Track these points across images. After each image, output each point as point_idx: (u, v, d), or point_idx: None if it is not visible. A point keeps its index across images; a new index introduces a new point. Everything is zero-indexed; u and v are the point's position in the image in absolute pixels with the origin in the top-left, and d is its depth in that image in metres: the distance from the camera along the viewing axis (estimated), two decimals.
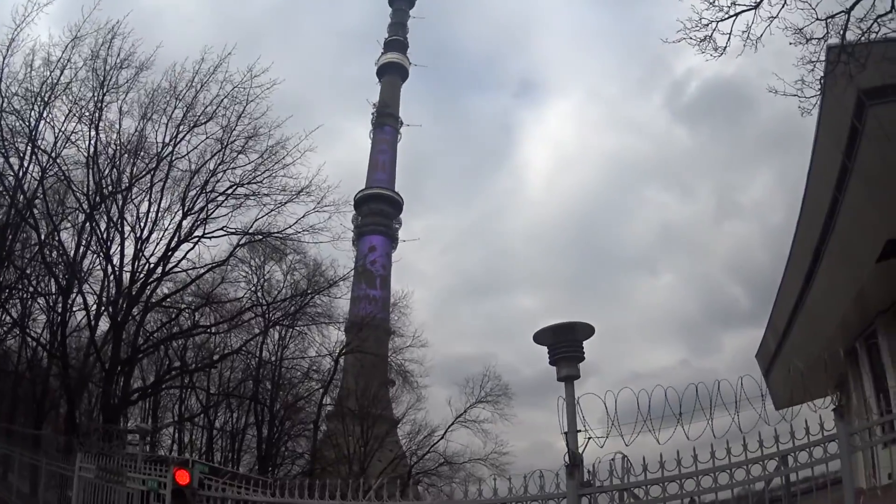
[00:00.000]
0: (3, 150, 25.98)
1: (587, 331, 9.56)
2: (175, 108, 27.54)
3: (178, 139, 27.59)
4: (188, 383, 34.25)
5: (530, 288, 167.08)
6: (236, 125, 27.86)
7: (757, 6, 13.28)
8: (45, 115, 26.26)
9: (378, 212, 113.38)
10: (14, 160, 26.18)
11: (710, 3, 13.23)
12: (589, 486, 9.28)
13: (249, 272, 34.76)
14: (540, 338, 9.58)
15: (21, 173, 26.29)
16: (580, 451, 9.16)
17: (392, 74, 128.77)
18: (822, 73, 12.81)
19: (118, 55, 26.73)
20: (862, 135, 13.38)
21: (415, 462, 42.86)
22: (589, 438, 9.11)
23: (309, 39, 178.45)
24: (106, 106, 26.81)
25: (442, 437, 41.73)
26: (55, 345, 27.04)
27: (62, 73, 26.16)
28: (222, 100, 27.61)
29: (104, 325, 27.67)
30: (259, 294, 34.68)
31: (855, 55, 12.07)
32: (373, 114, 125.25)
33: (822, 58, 12.81)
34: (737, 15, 13.44)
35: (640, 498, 9.04)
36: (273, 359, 37.43)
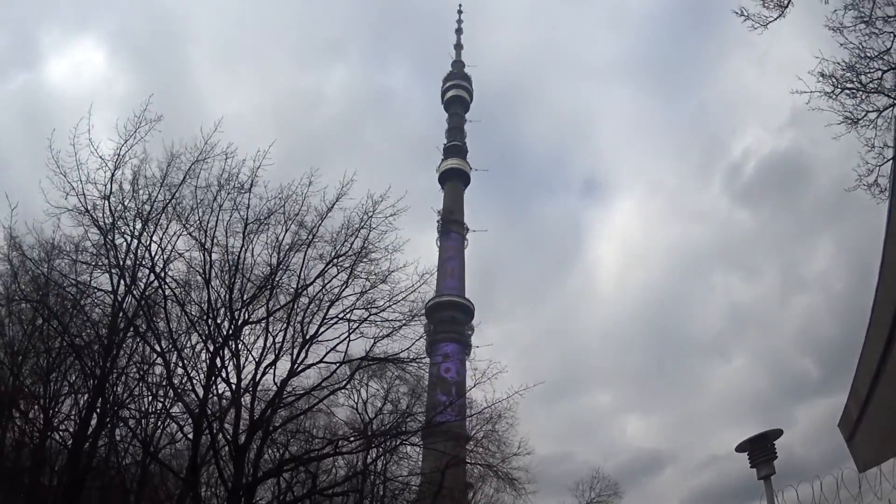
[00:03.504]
0: (111, 268, 25.93)
1: (776, 434, 10.22)
2: (286, 229, 27.38)
3: (287, 259, 27.38)
4: None
5: (605, 384, 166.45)
6: (351, 248, 27.64)
7: None
8: (150, 232, 26.24)
9: (450, 319, 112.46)
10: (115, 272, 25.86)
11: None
12: None
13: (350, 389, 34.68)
14: (741, 447, 10.10)
15: (141, 291, 26.23)
16: None
17: (454, 180, 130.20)
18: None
19: (219, 175, 26.75)
20: None
21: None
22: None
23: (371, 150, 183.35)
24: (210, 227, 26.70)
25: None
26: (185, 472, 26.22)
27: (160, 189, 26.29)
28: (347, 230, 27.51)
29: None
30: (363, 415, 34.58)
31: None
32: (438, 221, 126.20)
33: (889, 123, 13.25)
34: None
35: None
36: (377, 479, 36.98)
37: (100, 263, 26.50)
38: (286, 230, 27.45)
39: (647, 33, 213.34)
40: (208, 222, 26.78)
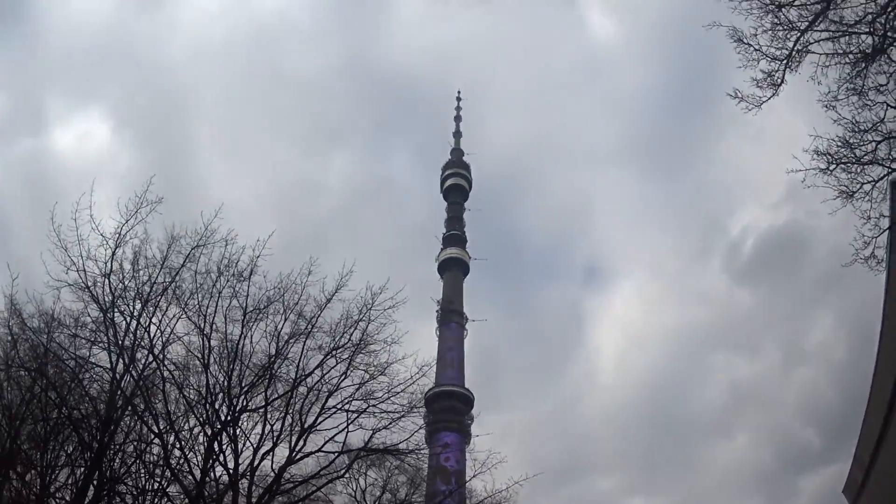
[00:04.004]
0: (109, 345, 25.82)
1: None
2: (285, 319, 27.57)
3: (285, 349, 27.50)
4: None
5: (608, 468, 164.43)
6: (350, 340, 27.84)
7: None
8: (150, 314, 26.29)
9: (449, 408, 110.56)
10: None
11: None
12: None
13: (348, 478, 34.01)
14: None
15: (140, 372, 26.10)
16: None
17: (453, 270, 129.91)
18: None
19: (219, 261, 27.05)
20: None
21: None
22: None
23: (370, 238, 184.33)
24: (209, 313, 26.88)
25: None
26: None
27: (160, 271, 26.45)
28: (346, 322, 27.75)
29: None
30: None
31: None
32: (437, 311, 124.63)
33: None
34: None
35: None
36: None
37: (98, 340, 26.41)
38: (285, 319, 27.69)
39: (643, 117, 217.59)
40: (207, 307, 27.00)
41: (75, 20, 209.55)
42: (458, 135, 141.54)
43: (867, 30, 14.65)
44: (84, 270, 25.62)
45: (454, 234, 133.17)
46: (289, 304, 27.59)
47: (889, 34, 14.20)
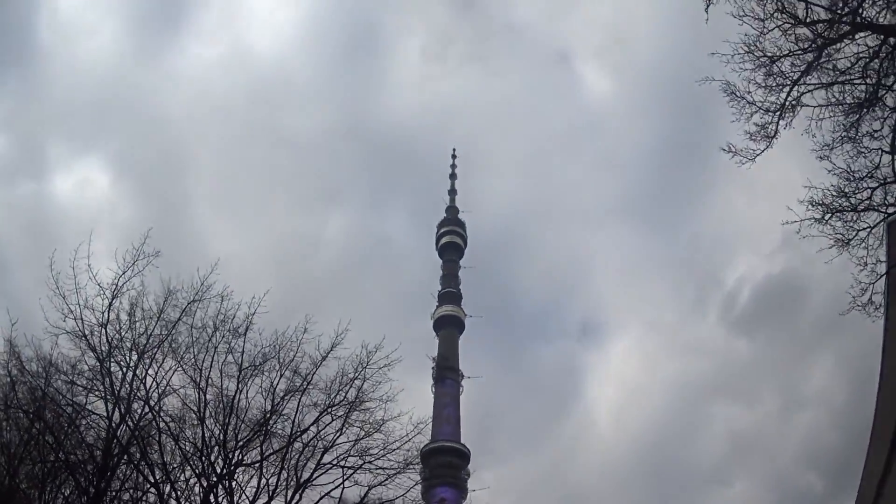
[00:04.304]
0: (106, 394, 25.76)
1: None
2: (281, 375, 27.62)
3: (281, 405, 27.54)
4: None
5: None
6: (345, 398, 27.87)
7: None
8: (146, 365, 26.35)
9: (446, 464, 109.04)
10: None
11: None
12: None
13: None
14: None
15: (136, 422, 26.00)
16: None
17: (448, 327, 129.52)
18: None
19: (215, 316, 27.13)
20: None
21: None
22: None
23: (366, 295, 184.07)
24: (205, 367, 26.92)
25: None
26: None
27: (156, 323, 26.45)
28: (342, 380, 27.80)
29: None
30: None
31: None
32: (433, 368, 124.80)
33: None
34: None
35: None
36: None
37: (95, 388, 26.32)
38: (280, 376, 27.77)
39: (637, 173, 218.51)
40: (203, 362, 27.07)
41: (78, 67, 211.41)
42: (453, 193, 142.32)
43: (859, 75, 14.88)
44: (81, 319, 25.76)
45: (449, 292, 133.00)
46: (284, 361, 27.68)
47: (882, 80, 14.41)
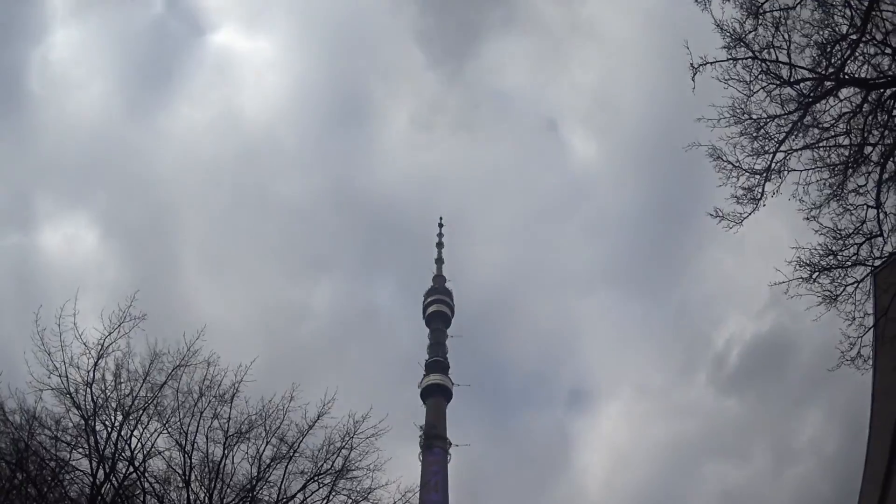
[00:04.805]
0: (90, 452, 25.43)
1: None
2: (267, 442, 27.43)
3: (267, 472, 27.29)
4: None
5: None
6: (332, 466, 27.67)
7: None
8: (131, 426, 26.08)
9: None
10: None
11: None
12: None
13: None
14: None
15: (120, 482, 25.73)
16: None
17: (436, 396, 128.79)
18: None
19: (201, 381, 26.96)
20: None
21: None
22: None
23: (353, 364, 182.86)
24: (190, 431, 26.69)
25: None
26: None
27: (142, 385, 26.23)
28: (329, 448, 27.61)
29: None
30: None
31: None
32: (420, 436, 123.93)
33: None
34: None
35: None
36: None
37: (79, 445, 25.97)
38: (267, 443, 27.58)
39: (625, 239, 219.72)
40: (189, 426, 26.83)
41: (68, 121, 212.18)
42: (440, 261, 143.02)
43: (843, 131, 15.22)
44: (66, 376, 25.54)
45: (436, 361, 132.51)
46: (271, 428, 27.51)
47: (867, 136, 14.73)
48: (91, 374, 25.74)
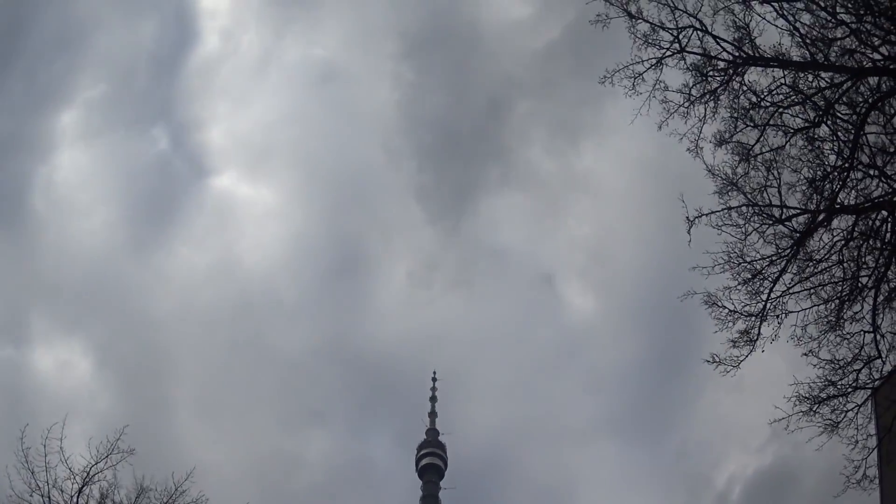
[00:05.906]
0: None
1: None
2: None
3: None
4: None
5: None
6: None
7: None
8: None
9: None
10: None
11: None
12: None
13: None
14: None
15: None
16: None
17: None
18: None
19: None
20: None
21: None
22: None
23: None
24: None
25: None
26: None
27: None
28: None
29: None
30: None
31: None
32: None
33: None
34: None
35: None
36: None
37: None
38: None
39: (622, 389, 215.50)
40: None
41: (68, 246, 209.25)
42: (433, 415, 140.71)
43: (837, 261, 15.91)
44: (49, 498, 25.18)
45: None
46: None
47: (861, 263, 15.42)
48: (75, 500, 25.44)
